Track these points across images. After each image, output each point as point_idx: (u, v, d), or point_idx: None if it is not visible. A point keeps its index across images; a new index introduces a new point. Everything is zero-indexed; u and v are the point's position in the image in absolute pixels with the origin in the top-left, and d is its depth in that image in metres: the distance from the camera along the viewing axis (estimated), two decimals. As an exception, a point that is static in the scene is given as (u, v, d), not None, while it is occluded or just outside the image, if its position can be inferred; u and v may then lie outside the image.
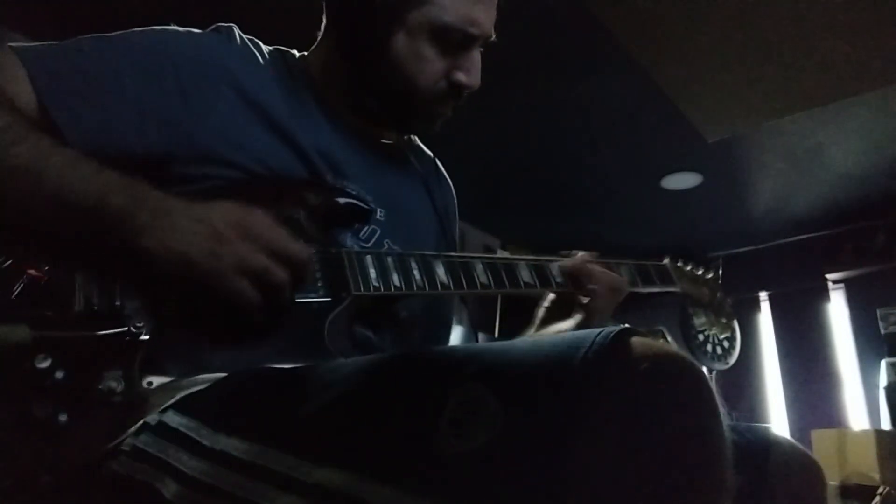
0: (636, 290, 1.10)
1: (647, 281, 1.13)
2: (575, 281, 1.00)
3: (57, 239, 0.68)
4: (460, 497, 0.46)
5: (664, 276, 1.16)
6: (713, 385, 0.50)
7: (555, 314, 1.05)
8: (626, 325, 0.50)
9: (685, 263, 1.23)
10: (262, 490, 0.56)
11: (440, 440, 0.48)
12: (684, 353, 0.50)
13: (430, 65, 0.91)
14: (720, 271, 1.28)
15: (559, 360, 0.48)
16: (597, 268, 1.01)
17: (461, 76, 0.92)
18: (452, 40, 0.91)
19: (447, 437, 0.48)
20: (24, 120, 0.72)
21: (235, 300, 0.65)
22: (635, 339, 0.48)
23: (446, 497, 0.46)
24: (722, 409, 0.49)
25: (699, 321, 1.23)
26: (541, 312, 1.07)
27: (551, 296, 1.06)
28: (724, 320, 1.25)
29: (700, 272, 1.24)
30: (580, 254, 1.04)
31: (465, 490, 0.46)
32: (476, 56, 0.94)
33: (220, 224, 0.66)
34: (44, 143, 0.69)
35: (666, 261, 1.19)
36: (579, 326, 1.00)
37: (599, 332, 0.48)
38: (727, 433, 0.49)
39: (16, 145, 0.68)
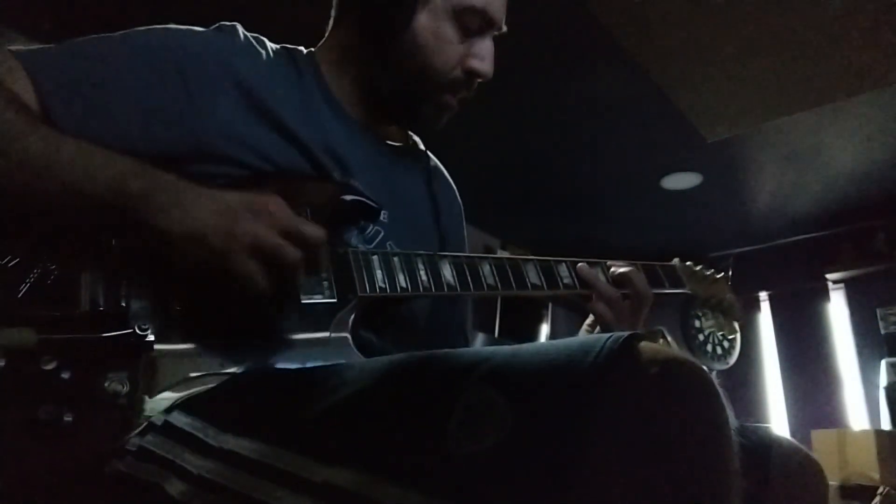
0: None
1: (656, 282, 1.11)
2: (583, 287, 1.01)
3: (72, 227, 0.71)
4: (469, 498, 0.46)
5: (673, 277, 1.14)
6: (721, 390, 0.50)
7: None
8: (636, 331, 0.50)
9: (695, 263, 1.21)
10: (269, 489, 0.56)
11: (449, 441, 0.48)
12: (693, 358, 0.50)
13: (449, 47, 0.92)
14: (730, 272, 1.26)
15: (569, 363, 0.48)
16: (602, 283, 1.00)
17: (476, 63, 0.93)
18: (472, 24, 0.92)
19: (456, 438, 0.48)
20: (28, 114, 0.72)
21: (246, 278, 0.68)
22: (644, 344, 0.48)
23: (455, 498, 0.47)
24: (730, 414, 0.49)
25: (707, 323, 1.21)
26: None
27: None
28: (732, 323, 1.23)
29: (710, 272, 1.22)
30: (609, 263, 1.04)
31: (474, 491, 0.46)
32: (490, 45, 0.95)
33: (235, 203, 0.69)
34: (52, 135, 0.71)
35: (675, 261, 1.17)
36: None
37: (609, 337, 0.49)
38: (735, 437, 0.49)
39: (23, 138, 0.69)
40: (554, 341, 0.52)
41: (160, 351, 0.70)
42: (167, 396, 0.69)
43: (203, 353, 0.72)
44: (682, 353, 0.50)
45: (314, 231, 0.72)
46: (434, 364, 0.57)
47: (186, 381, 0.70)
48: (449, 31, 0.92)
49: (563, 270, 0.99)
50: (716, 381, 0.50)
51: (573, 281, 0.99)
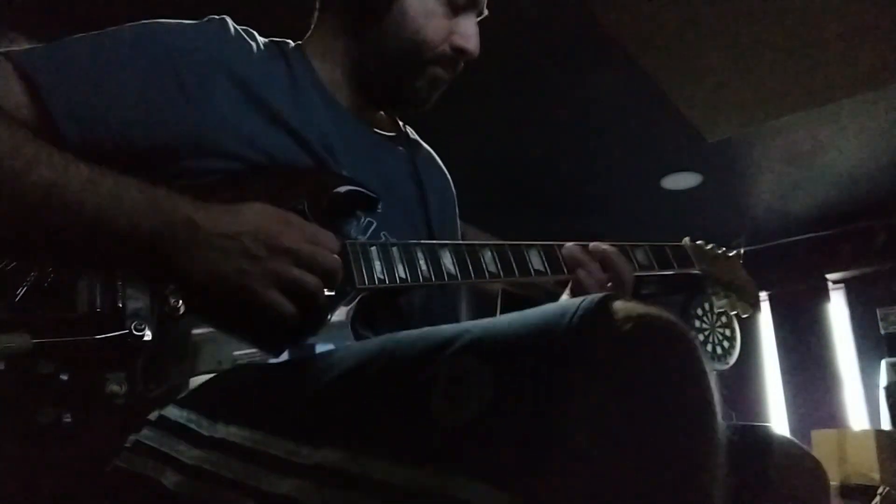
0: (653, 273, 1.06)
1: (664, 264, 1.08)
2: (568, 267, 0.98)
3: (90, 254, 0.72)
4: (455, 466, 0.47)
5: (682, 258, 1.11)
6: (697, 343, 0.50)
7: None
8: (613, 293, 0.50)
9: (706, 243, 1.18)
10: (262, 474, 0.56)
11: (434, 412, 0.49)
12: (668, 312, 0.50)
13: (437, 21, 0.94)
14: (742, 250, 1.24)
15: (546, 327, 0.49)
16: (585, 257, 0.98)
17: (462, 41, 0.95)
18: (458, 1, 0.95)
19: (440, 409, 0.49)
20: (29, 135, 0.72)
21: (271, 311, 0.72)
22: (618, 302, 0.49)
23: (443, 467, 0.47)
24: (708, 364, 0.49)
25: (720, 302, 1.18)
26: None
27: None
28: (747, 303, 1.20)
29: (721, 251, 1.20)
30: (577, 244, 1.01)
31: (461, 459, 0.47)
32: (475, 24, 0.98)
33: (248, 240, 0.71)
34: (57, 162, 0.70)
35: (685, 240, 1.15)
36: None
37: (584, 299, 0.49)
38: (714, 386, 0.49)
39: (32, 170, 0.68)
40: (532, 309, 0.53)
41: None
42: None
43: (200, 351, 0.73)
44: (657, 309, 0.50)
45: (330, 260, 0.75)
46: (415, 341, 0.57)
47: (184, 381, 0.71)
48: (437, 6, 0.94)
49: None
50: (692, 335, 0.50)
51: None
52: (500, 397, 0.47)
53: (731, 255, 1.21)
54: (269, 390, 0.65)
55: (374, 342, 0.63)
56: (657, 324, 0.48)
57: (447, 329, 0.56)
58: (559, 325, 0.48)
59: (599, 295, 0.49)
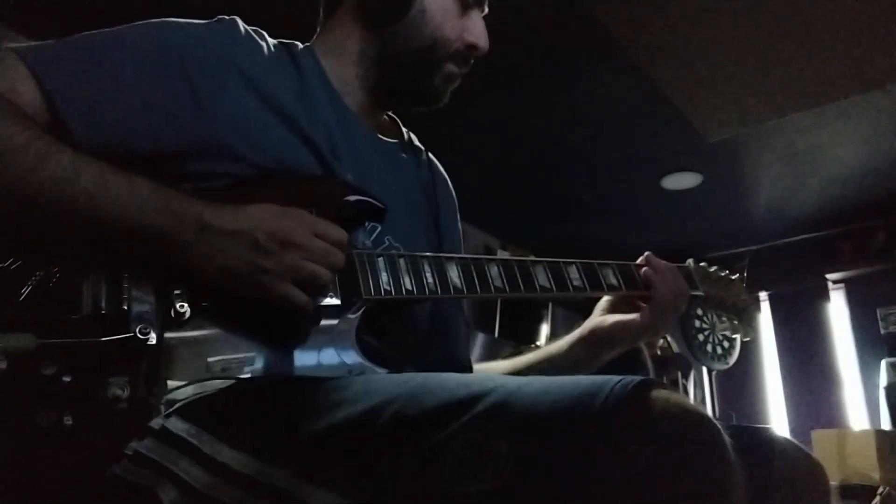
0: None
1: None
2: (638, 280, 1.02)
3: (99, 253, 0.71)
4: None
5: (686, 280, 1.11)
6: (728, 442, 0.49)
7: (617, 307, 1.05)
8: (647, 377, 0.49)
9: (709, 265, 1.18)
10: None
11: (446, 478, 0.47)
12: (703, 410, 0.50)
13: (452, 19, 0.98)
14: (745, 273, 1.24)
15: (575, 405, 0.47)
16: (663, 264, 1.03)
17: (474, 37, 0.99)
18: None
19: (454, 475, 0.47)
20: (40, 132, 0.72)
21: (286, 302, 0.73)
22: (655, 393, 0.47)
23: None
24: (739, 473, 0.48)
25: (722, 325, 1.18)
26: (602, 303, 1.07)
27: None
28: (749, 324, 1.20)
29: (724, 274, 1.20)
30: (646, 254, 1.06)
31: None
32: (482, 21, 1.01)
33: (258, 234, 0.72)
34: (67, 160, 0.70)
35: (689, 262, 1.15)
36: (642, 325, 1.00)
37: (619, 381, 0.48)
38: (742, 493, 0.48)
39: (41, 167, 0.68)
40: (560, 379, 0.51)
41: (174, 339, 0.72)
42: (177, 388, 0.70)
43: (204, 357, 0.72)
44: (695, 406, 0.49)
45: (338, 258, 0.76)
46: (434, 391, 0.56)
47: (188, 386, 0.70)
48: (451, 4, 0.97)
49: (573, 272, 0.97)
50: (727, 438, 0.49)
51: (583, 283, 0.97)
52: (517, 473, 0.45)
53: (734, 277, 1.21)
54: (277, 415, 0.64)
55: (392, 383, 0.62)
56: (692, 424, 0.47)
57: (471, 384, 0.54)
58: (590, 407, 0.46)
59: (635, 379, 0.48)
